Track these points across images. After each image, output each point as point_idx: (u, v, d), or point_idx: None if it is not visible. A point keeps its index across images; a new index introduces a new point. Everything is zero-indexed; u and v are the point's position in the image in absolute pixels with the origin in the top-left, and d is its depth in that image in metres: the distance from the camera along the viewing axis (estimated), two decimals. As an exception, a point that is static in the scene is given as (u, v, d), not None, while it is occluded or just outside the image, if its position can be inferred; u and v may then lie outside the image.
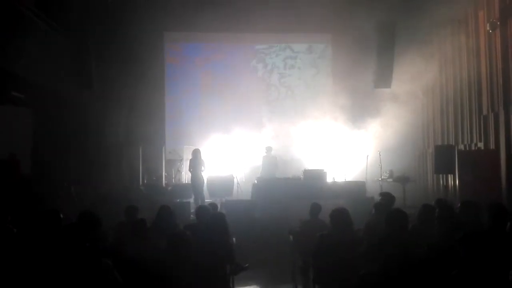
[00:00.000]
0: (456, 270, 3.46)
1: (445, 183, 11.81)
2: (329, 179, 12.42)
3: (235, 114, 14.04)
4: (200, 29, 13.85)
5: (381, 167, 12.31)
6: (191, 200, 11.23)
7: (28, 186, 9.27)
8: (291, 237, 6.99)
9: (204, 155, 11.84)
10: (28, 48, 9.23)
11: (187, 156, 14.05)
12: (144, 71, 13.13)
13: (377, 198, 10.45)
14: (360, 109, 13.50)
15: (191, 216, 9.68)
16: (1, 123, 9.91)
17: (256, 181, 12.24)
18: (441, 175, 12.08)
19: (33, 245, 4.28)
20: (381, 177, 12.26)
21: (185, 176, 14.00)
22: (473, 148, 11.22)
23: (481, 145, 10.85)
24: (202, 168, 11.47)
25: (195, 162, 11.48)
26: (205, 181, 12.15)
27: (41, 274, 3.82)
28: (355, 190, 11.57)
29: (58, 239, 4.08)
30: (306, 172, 12.36)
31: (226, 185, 12.59)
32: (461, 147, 11.68)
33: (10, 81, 9.34)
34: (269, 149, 13.32)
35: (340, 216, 5.13)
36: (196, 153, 11.58)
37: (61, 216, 5.11)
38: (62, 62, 11.13)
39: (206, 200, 10.98)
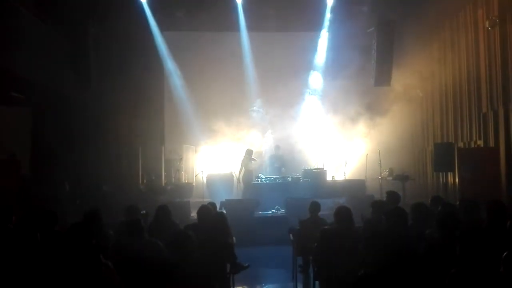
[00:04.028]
0: (455, 269, 3.46)
1: (444, 181, 11.82)
2: (329, 178, 12.46)
3: (235, 112, 13.97)
4: (200, 29, 13.83)
5: (380, 165, 12.33)
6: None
7: (28, 186, 9.26)
8: (291, 235, 7.01)
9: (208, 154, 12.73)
10: (27, 47, 9.22)
11: (187, 155, 14.09)
12: (143, 70, 13.10)
13: (377, 196, 10.54)
14: (359, 107, 13.48)
15: (191, 215, 9.70)
16: (0, 123, 9.91)
17: (256, 180, 12.28)
18: (440, 173, 12.09)
19: (37, 244, 4.30)
20: (380, 175, 12.28)
21: (185, 176, 14.00)
22: (472, 146, 11.22)
23: (480, 142, 10.84)
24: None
25: (249, 160, 12.48)
26: (205, 180, 12.17)
27: (46, 272, 3.83)
28: (355, 188, 11.61)
29: (64, 238, 4.11)
30: (306, 171, 12.40)
31: (226, 184, 12.63)
32: (461, 145, 11.68)
33: (9, 81, 9.32)
34: (277, 148, 13.38)
35: (344, 213, 5.18)
36: (249, 153, 12.56)
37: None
38: (62, 62, 11.12)
39: (205, 200, 10.99)
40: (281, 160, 13.24)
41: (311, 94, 14.49)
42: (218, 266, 5.19)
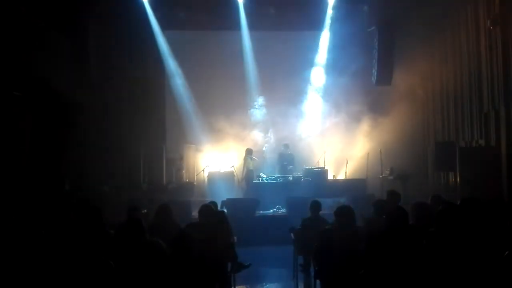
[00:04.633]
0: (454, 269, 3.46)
1: (445, 180, 11.80)
2: (329, 177, 12.47)
3: (237, 110, 13.94)
4: (202, 28, 13.83)
5: (381, 164, 12.31)
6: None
7: (29, 184, 9.27)
8: (292, 235, 7.01)
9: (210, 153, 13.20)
10: (27, 46, 9.22)
11: (188, 154, 14.09)
12: (144, 70, 13.10)
13: (378, 195, 10.53)
14: (360, 106, 13.47)
15: (193, 214, 9.69)
16: (0, 123, 9.88)
17: (257, 179, 12.28)
18: (441, 172, 12.07)
19: (40, 242, 4.29)
20: (382, 174, 12.26)
21: (186, 175, 14.00)
22: (474, 145, 11.19)
23: (482, 142, 10.82)
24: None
25: (249, 159, 12.67)
26: (206, 178, 12.19)
27: (50, 270, 3.83)
28: (356, 187, 11.62)
29: (66, 237, 4.11)
30: (307, 170, 12.40)
31: (227, 183, 12.63)
32: (462, 144, 11.65)
33: (10, 80, 9.32)
34: (286, 146, 13.38)
35: (345, 213, 5.17)
36: (249, 152, 12.78)
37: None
38: (62, 61, 11.11)
39: (206, 199, 10.98)
40: (289, 158, 13.26)
41: (314, 91, 14.47)
42: (219, 265, 5.19)
